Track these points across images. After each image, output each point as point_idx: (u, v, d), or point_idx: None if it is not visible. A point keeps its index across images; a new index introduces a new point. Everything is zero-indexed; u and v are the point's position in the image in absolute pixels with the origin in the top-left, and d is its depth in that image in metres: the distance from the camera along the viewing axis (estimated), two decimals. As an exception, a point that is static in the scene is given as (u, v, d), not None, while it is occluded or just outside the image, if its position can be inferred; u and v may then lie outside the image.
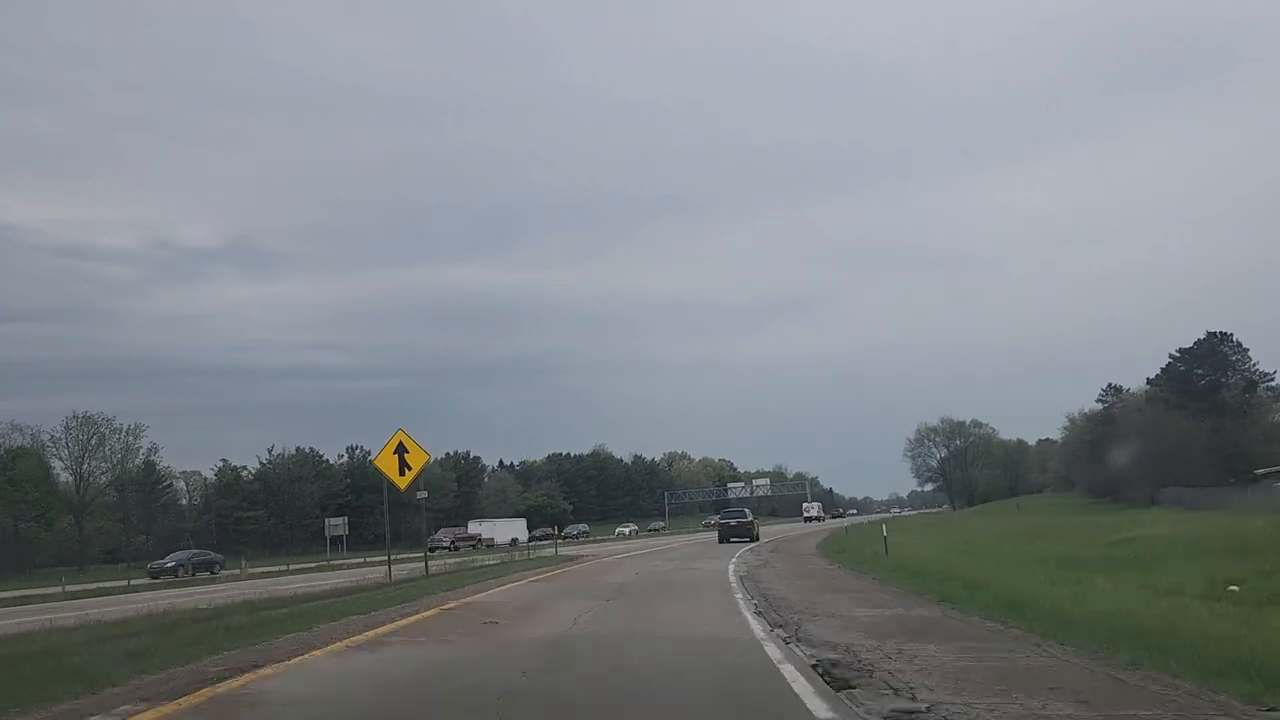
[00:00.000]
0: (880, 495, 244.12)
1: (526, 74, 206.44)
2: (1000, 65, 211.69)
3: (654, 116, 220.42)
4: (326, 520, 64.14)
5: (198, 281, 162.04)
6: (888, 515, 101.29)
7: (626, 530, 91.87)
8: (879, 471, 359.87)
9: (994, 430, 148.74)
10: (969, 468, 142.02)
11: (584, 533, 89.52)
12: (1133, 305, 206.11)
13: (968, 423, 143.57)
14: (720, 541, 43.95)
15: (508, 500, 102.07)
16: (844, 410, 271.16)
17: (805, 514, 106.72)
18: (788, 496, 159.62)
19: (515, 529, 78.80)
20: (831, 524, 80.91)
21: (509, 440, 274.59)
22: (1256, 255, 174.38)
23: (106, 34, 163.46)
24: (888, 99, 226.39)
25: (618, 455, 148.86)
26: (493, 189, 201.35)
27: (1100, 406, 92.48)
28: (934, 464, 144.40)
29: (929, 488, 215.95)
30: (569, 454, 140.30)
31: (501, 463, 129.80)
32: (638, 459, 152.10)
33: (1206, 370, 78.29)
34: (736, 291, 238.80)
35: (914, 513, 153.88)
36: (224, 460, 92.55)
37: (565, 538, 78.08)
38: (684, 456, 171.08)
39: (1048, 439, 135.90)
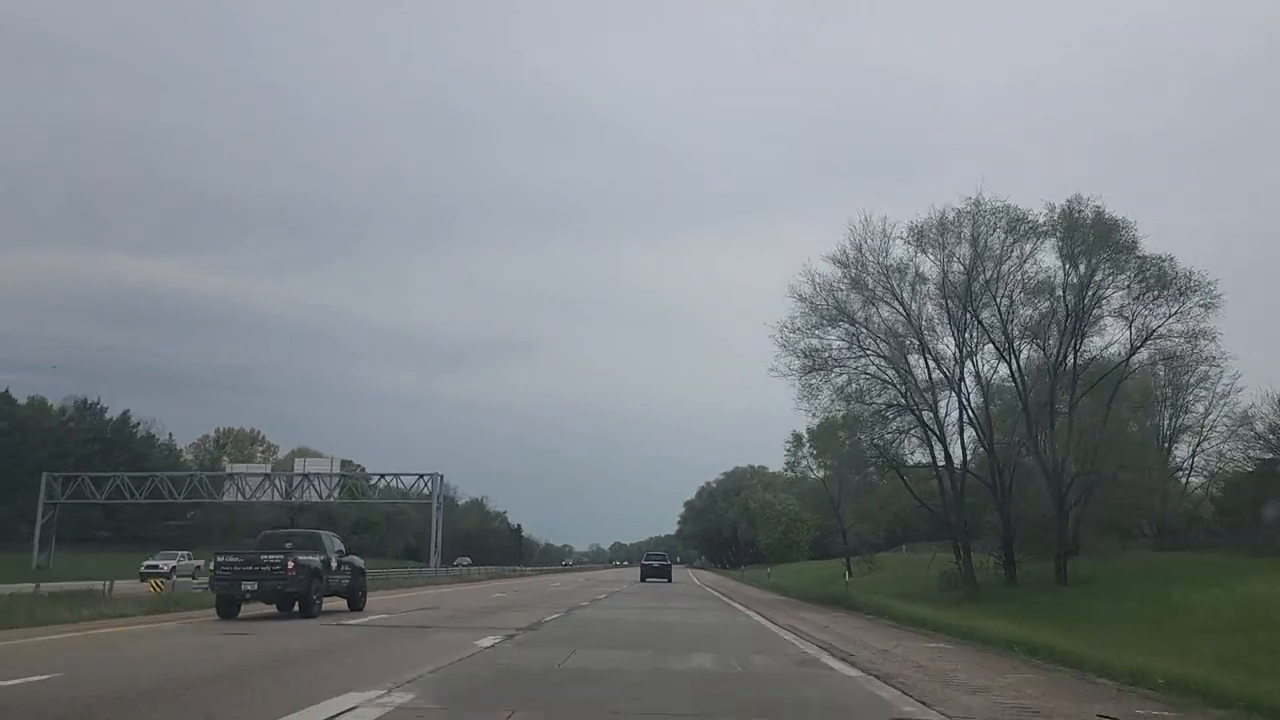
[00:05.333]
0: (580, 546, 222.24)
1: (234, 60, 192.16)
2: (737, 151, 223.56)
3: (385, 130, 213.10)
4: None
5: None
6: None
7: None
8: (587, 522, 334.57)
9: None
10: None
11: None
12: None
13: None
14: (642, 580, 47.08)
15: None
16: (553, 456, 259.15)
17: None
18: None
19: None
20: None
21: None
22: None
23: None
24: (631, 157, 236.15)
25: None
26: (191, 181, 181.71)
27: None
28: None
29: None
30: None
31: None
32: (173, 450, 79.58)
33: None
34: (451, 325, 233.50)
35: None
36: None
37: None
38: (305, 450, 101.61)
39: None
